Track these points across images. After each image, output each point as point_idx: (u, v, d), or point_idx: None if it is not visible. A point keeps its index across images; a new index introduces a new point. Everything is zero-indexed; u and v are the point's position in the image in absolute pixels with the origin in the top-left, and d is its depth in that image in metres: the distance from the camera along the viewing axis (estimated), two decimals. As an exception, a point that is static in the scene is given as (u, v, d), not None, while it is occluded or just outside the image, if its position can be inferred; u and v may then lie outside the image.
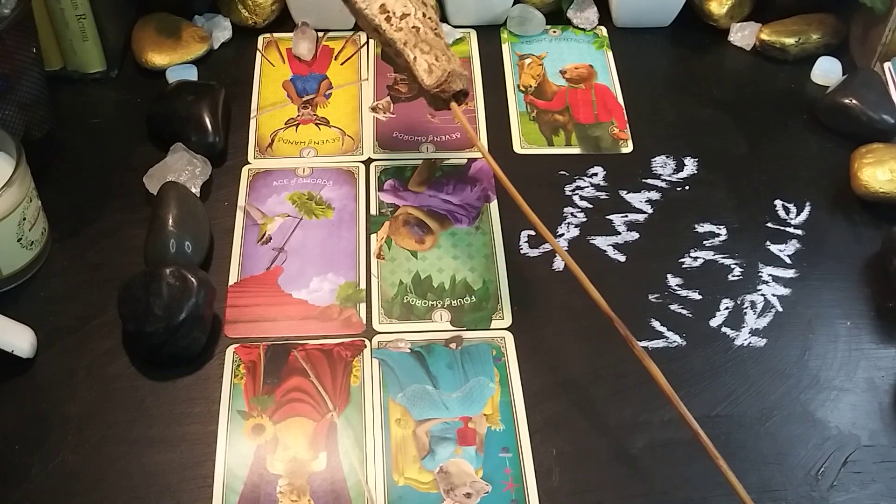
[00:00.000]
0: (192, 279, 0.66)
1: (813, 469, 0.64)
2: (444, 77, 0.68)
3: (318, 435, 0.64)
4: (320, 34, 0.93)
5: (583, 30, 0.95)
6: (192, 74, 0.88)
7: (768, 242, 0.77)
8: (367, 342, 0.70)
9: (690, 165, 0.83)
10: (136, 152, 0.82)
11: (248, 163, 0.82)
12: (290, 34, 0.93)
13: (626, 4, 0.93)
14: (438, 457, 0.64)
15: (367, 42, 0.93)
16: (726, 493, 0.62)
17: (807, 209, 0.80)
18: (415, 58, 0.69)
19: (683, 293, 0.74)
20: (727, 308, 0.73)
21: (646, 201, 0.80)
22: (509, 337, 0.70)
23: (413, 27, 0.70)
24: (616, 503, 0.62)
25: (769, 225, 0.79)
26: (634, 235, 0.77)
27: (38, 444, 0.63)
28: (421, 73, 0.69)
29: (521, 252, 0.76)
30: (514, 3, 0.94)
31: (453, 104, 0.70)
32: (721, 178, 0.82)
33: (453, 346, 0.70)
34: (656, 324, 0.71)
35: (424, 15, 0.71)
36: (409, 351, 0.69)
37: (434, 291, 0.73)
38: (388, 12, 0.70)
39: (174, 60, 0.89)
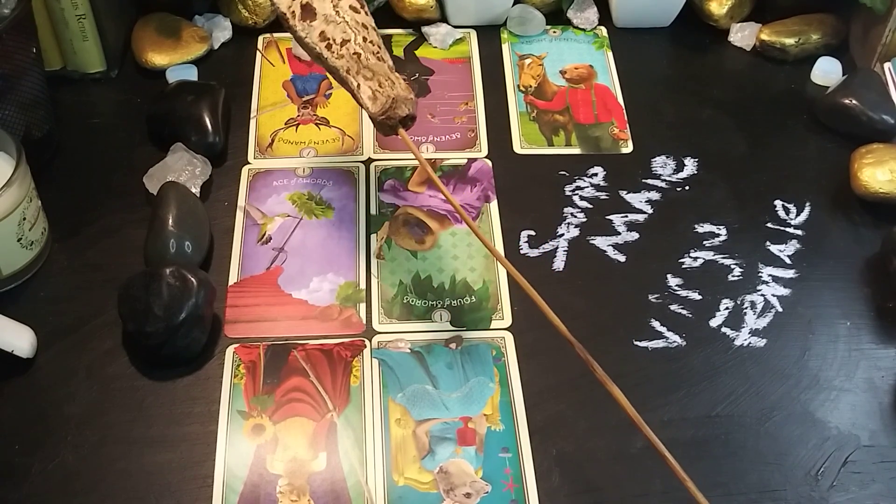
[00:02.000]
0: (192, 279, 0.66)
1: (813, 469, 0.64)
2: (388, 104, 0.66)
3: (318, 435, 0.64)
4: (320, 34, 0.93)
5: (583, 30, 0.95)
6: (192, 74, 0.88)
7: (768, 242, 0.77)
8: (367, 342, 0.70)
9: (690, 165, 0.83)
10: (136, 152, 0.82)
11: (248, 163, 0.82)
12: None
13: (626, 4, 0.93)
14: (438, 457, 0.64)
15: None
16: (727, 493, 0.62)
17: (807, 209, 0.80)
18: (358, 85, 0.67)
19: (683, 293, 0.74)
20: (727, 308, 0.73)
21: (646, 201, 0.80)
22: (509, 337, 0.70)
23: (354, 53, 0.68)
24: (616, 503, 0.62)
25: (769, 225, 0.79)
26: (634, 235, 0.77)
27: (38, 444, 0.63)
28: (365, 101, 0.67)
29: (521, 252, 0.76)
30: (514, 3, 0.94)
31: (401, 130, 0.68)
32: (721, 178, 0.82)
33: (453, 346, 0.70)
34: (656, 324, 0.71)
35: (365, 39, 0.69)
36: (409, 351, 0.69)
37: (434, 291, 0.73)
38: (329, 39, 0.69)
39: (174, 60, 0.89)
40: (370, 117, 0.67)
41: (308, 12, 0.69)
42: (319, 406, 0.66)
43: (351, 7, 0.70)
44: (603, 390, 0.66)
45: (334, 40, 0.68)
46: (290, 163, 0.82)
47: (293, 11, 0.70)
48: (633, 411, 0.58)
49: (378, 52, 0.68)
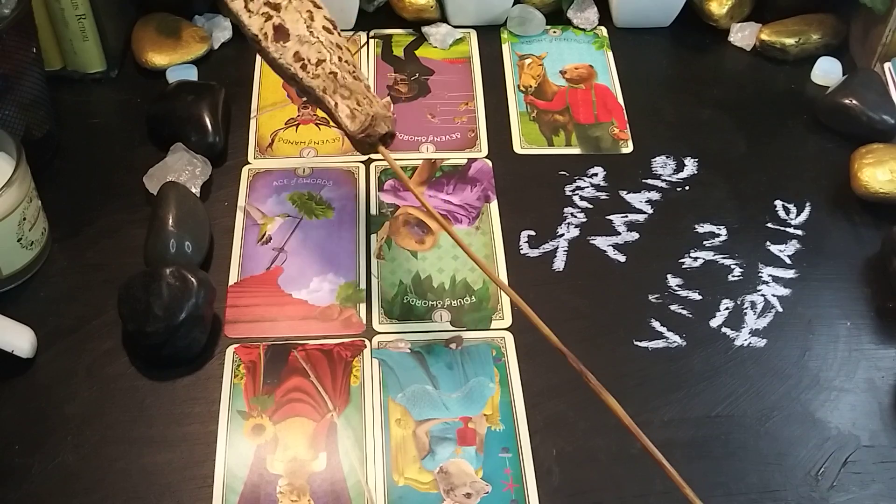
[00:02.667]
0: (192, 279, 0.66)
1: (813, 469, 0.64)
2: (367, 122, 0.65)
3: (318, 435, 0.64)
4: (320, 34, 0.93)
5: (583, 30, 0.95)
6: (192, 74, 0.88)
7: (768, 243, 0.77)
8: (367, 342, 0.70)
9: (690, 165, 0.83)
10: (136, 152, 0.82)
11: (248, 163, 0.82)
12: (290, 34, 0.93)
13: (626, 4, 0.93)
14: (438, 457, 0.64)
15: (367, 42, 0.93)
16: (727, 493, 0.62)
17: (807, 209, 0.80)
18: (335, 104, 0.66)
19: (683, 293, 0.74)
20: (727, 308, 0.73)
21: (646, 201, 0.80)
22: (509, 337, 0.70)
23: (330, 73, 0.67)
24: (616, 503, 0.62)
25: (769, 225, 0.79)
26: (634, 235, 0.77)
27: (38, 444, 0.63)
28: (344, 120, 0.66)
29: (521, 252, 0.76)
30: (514, 3, 0.94)
31: (381, 148, 0.67)
32: (721, 178, 0.82)
33: (453, 346, 0.70)
34: (656, 324, 0.71)
35: (340, 59, 0.68)
36: (409, 351, 0.69)
37: (434, 291, 0.73)
38: (303, 59, 0.67)
39: (174, 60, 0.89)
40: (349, 136, 0.66)
41: (281, 33, 0.69)
42: (319, 406, 0.66)
43: (325, 28, 0.69)
44: (603, 390, 0.66)
45: (309, 60, 0.67)
46: (290, 163, 0.82)
47: (265, 33, 0.69)
48: (628, 420, 0.57)
49: (354, 72, 0.68)
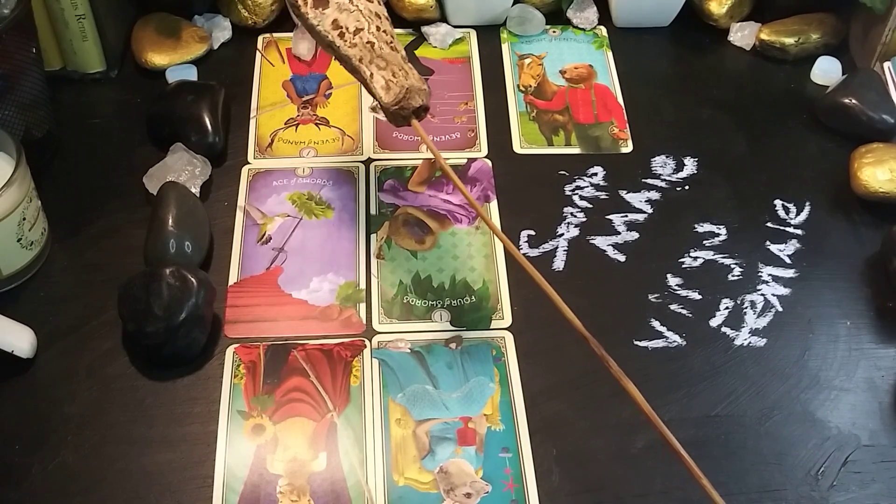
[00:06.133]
0: (192, 279, 0.66)
1: (813, 469, 0.64)
2: (402, 94, 0.65)
3: (318, 435, 0.64)
4: (320, 34, 0.93)
5: (583, 30, 0.95)
6: (191, 74, 0.88)
7: (768, 242, 0.77)
8: (367, 342, 0.70)
9: (690, 165, 0.83)
10: (136, 152, 0.82)
11: (248, 163, 0.82)
12: (290, 34, 0.93)
13: (626, 4, 0.93)
14: (438, 457, 0.64)
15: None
16: (727, 493, 0.62)
17: (807, 209, 0.80)
18: (371, 74, 0.66)
19: (683, 293, 0.74)
20: (727, 308, 0.73)
21: (646, 201, 0.80)
22: (509, 337, 0.70)
23: (367, 42, 0.67)
24: (616, 503, 0.62)
25: (769, 225, 0.79)
26: (634, 235, 0.77)
27: (38, 444, 0.63)
28: (378, 91, 0.66)
29: (521, 252, 0.76)
30: (513, 3, 0.94)
31: (414, 121, 0.67)
32: (721, 178, 0.82)
33: (453, 346, 0.70)
34: (656, 324, 0.71)
35: (379, 28, 0.68)
36: (409, 351, 0.69)
37: (434, 291, 0.73)
38: (342, 28, 0.68)
39: (174, 60, 0.89)
40: (383, 108, 0.67)
41: (321, 0, 0.69)
42: (319, 406, 0.66)
43: None
44: (603, 390, 0.66)
45: (347, 28, 0.68)
46: (290, 163, 0.82)
47: None
48: (647, 407, 0.58)
49: (391, 42, 0.68)
